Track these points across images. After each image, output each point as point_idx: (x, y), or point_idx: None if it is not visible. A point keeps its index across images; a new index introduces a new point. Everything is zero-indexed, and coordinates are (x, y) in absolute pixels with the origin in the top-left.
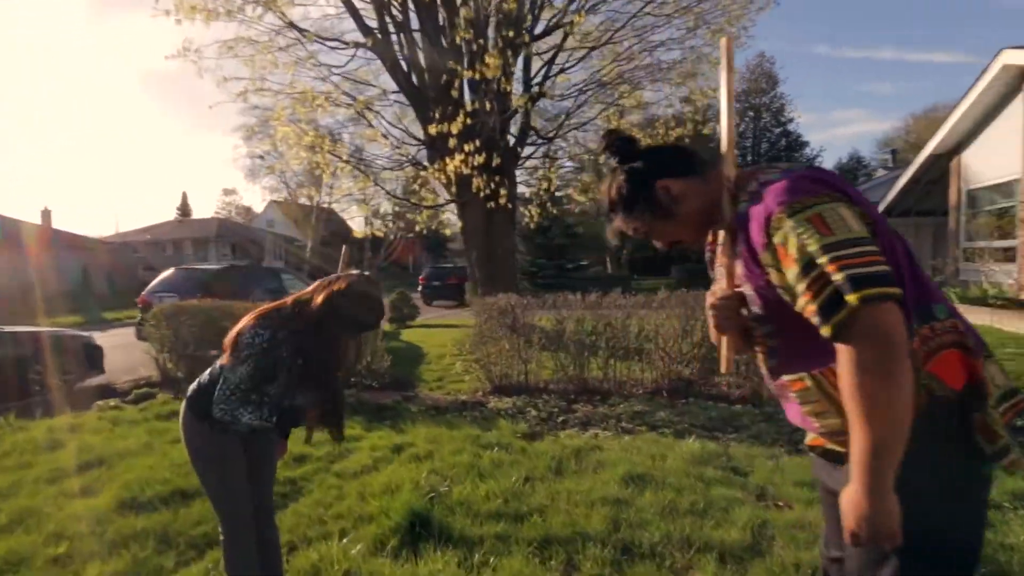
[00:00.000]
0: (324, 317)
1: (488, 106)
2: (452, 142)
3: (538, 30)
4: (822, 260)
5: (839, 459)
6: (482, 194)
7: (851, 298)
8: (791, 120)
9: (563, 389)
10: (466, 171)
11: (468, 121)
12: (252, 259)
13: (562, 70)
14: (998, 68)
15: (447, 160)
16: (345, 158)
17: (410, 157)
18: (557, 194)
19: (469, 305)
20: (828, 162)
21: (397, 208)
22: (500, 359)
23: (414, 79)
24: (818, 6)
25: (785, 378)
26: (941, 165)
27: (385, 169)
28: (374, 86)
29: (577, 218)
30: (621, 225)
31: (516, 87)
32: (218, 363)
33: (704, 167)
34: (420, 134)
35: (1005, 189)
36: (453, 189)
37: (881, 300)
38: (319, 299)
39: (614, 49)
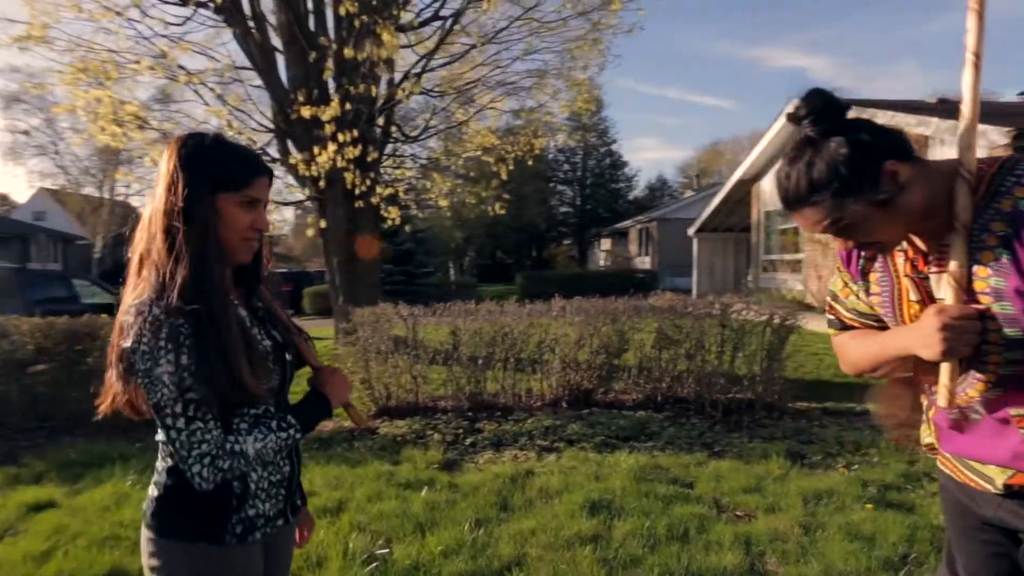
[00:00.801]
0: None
1: (375, 92)
2: (328, 129)
3: (425, 16)
4: None
5: None
6: (358, 191)
7: None
8: (614, 141)
9: (459, 407)
10: (341, 164)
11: (348, 107)
12: (12, 261)
13: (444, 64)
14: (788, 111)
15: (317, 151)
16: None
17: (254, 145)
18: (420, 197)
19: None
20: (641, 182)
21: None
22: (387, 377)
23: (276, 51)
24: (622, 45)
25: (1011, 412)
26: (745, 189)
27: None
28: (213, 56)
29: (424, 222)
30: (818, 212)
31: (395, 76)
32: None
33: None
34: (271, 118)
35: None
36: (322, 184)
37: None
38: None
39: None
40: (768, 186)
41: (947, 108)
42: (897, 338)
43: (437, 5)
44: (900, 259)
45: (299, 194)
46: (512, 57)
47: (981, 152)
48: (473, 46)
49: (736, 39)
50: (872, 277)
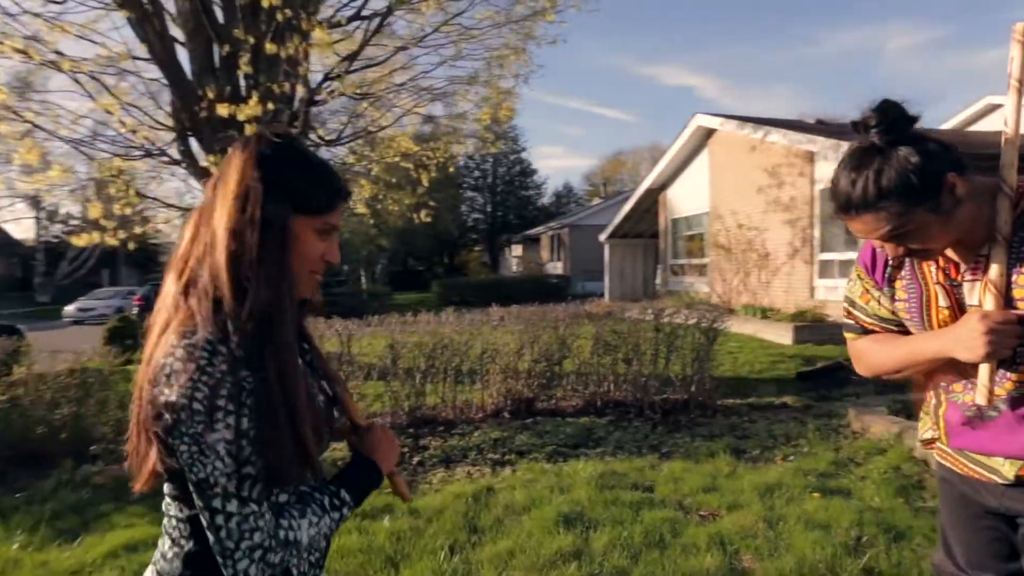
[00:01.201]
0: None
1: (300, 92)
2: (250, 130)
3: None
4: None
5: None
6: None
7: None
8: (524, 149)
9: (398, 423)
10: None
11: (270, 107)
12: None
13: (367, 66)
14: (693, 127)
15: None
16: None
17: (152, 145)
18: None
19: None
20: (549, 189)
21: (105, 209)
22: None
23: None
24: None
25: None
26: (652, 197)
27: (116, 156)
28: (97, 42)
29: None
30: (881, 219)
31: (311, 76)
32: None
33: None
34: (172, 114)
35: (697, 219)
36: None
37: None
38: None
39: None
40: (674, 195)
41: (825, 128)
42: (932, 341)
43: (359, 4)
44: (931, 267)
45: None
46: (435, 63)
47: None
48: (403, 48)
49: (633, 55)
50: (898, 284)
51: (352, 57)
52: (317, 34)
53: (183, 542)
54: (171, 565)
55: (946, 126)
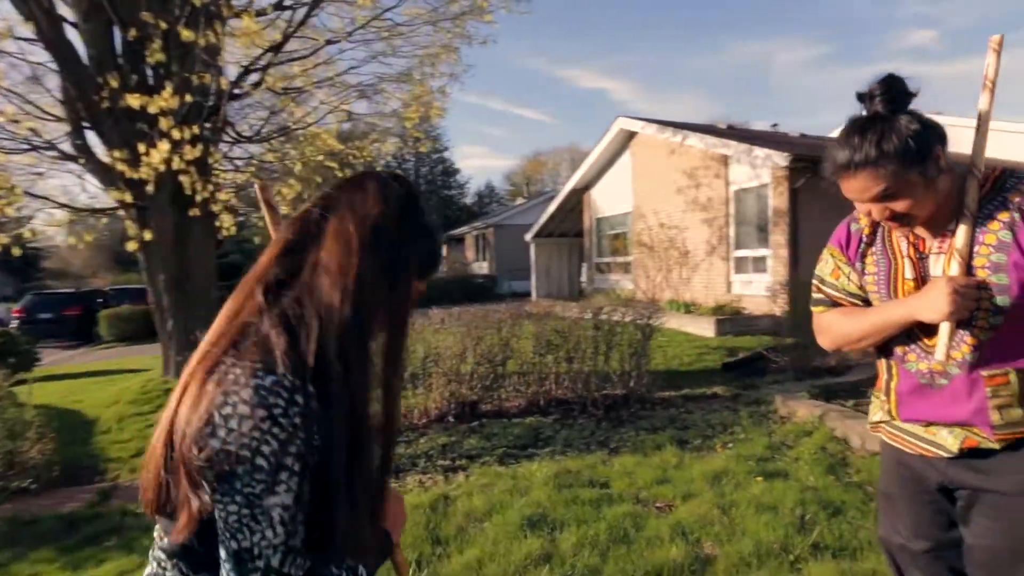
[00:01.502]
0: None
1: (222, 84)
2: (165, 124)
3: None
4: None
5: (989, 454)
6: (199, 197)
7: None
8: (446, 148)
9: None
10: (179, 165)
11: (188, 99)
12: None
13: (292, 59)
14: (616, 130)
15: (144, 148)
16: None
17: (38, 137)
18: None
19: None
20: (472, 189)
21: None
22: None
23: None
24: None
25: (984, 372)
26: (577, 197)
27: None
28: None
29: (254, 232)
30: (877, 178)
31: (225, 67)
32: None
33: None
34: (65, 104)
35: (620, 219)
36: (149, 188)
37: None
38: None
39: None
40: (599, 195)
41: (737, 134)
42: (899, 307)
43: None
44: (900, 241)
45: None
46: (363, 59)
47: (767, 169)
48: (331, 41)
49: (550, 58)
50: (869, 259)
51: (276, 48)
52: (245, 22)
53: None
54: None
55: (836, 132)
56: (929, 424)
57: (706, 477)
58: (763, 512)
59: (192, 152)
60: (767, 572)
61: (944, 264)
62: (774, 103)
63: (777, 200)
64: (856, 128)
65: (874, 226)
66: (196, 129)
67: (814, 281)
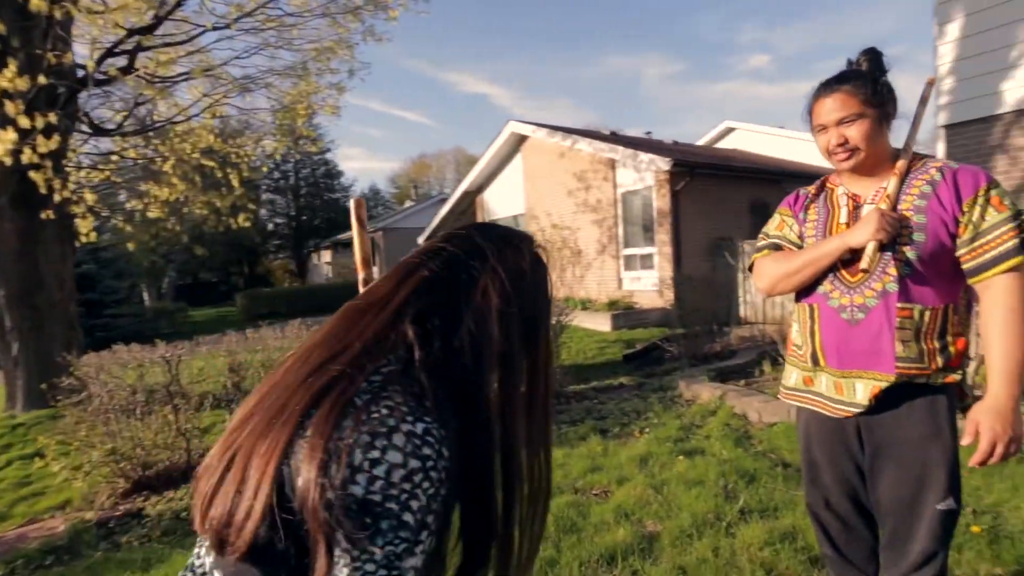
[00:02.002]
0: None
1: (91, 66)
2: (13, 109)
3: None
4: (1022, 217)
5: (888, 403)
6: (57, 197)
7: None
8: (328, 149)
9: None
10: (30, 158)
11: (42, 80)
12: None
13: (165, 44)
14: (508, 133)
15: None
16: None
17: None
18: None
19: None
20: (357, 190)
21: None
22: (144, 440)
23: None
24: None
25: (897, 304)
26: (469, 200)
27: None
28: None
29: (111, 238)
30: (854, 97)
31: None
32: None
33: None
34: None
35: (513, 221)
36: None
37: None
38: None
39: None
40: (491, 197)
41: (621, 139)
42: (833, 240)
43: None
44: (841, 199)
45: None
46: (249, 50)
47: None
48: (217, 27)
49: (433, 61)
50: (811, 210)
51: (148, 30)
52: None
53: None
54: None
55: (701, 142)
56: (844, 377)
57: (633, 461)
58: (692, 487)
59: (46, 144)
60: (707, 540)
61: (876, 203)
62: (643, 112)
63: (660, 202)
64: (843, 72)
65: (819, 189)
66: (53, 117)
67: (760, 236)
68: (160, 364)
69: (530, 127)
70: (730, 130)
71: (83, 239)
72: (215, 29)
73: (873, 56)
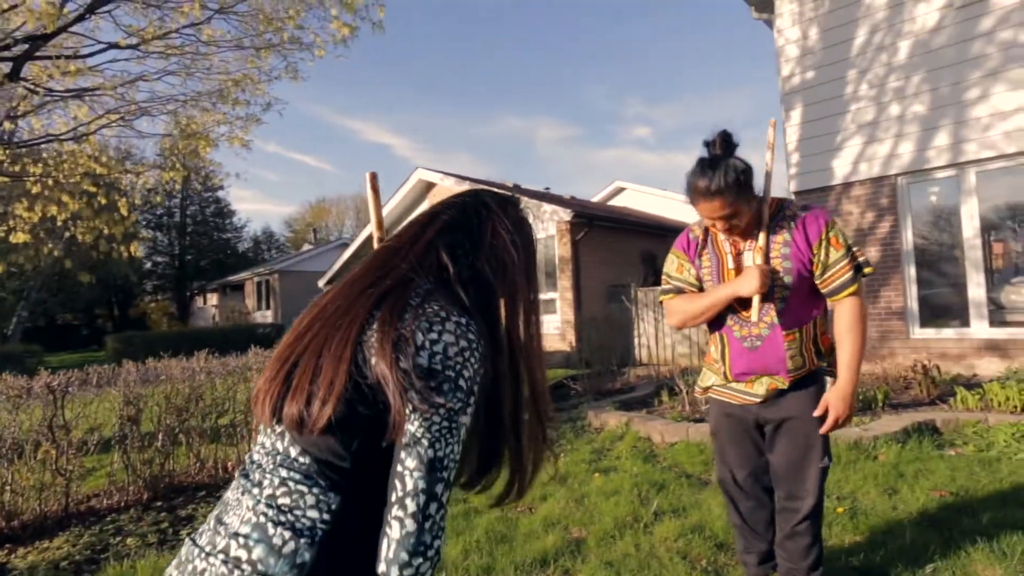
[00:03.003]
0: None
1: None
2: None
3: None
4: (854, 249)
5: (782, 393)
6: None
7: (867, 270)
8: (221, 187)
9: (136, 500)
10: None
11: None
12: None
13: (59, 56)
14: (415, 180)
15: None
16: None
17: None
18: None
19: None
20: (251, 230)
21: None
22: (13, 484)
23: None
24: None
25: (783, 332)
26: (371, 245)
27: None
28: None
29: None
30: (724, 202)
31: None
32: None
33: None
34: None
35: None
36: None
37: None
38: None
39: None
40: None
41: (525, 191)
42: (726, 288)
43: None
44: (724, 245)
45: None
46: (153, 73)
47: (553, 223)
48: (129, 46)
49: (332, 107)
50: (704, 257)
51: (45, 39)
52: None
53: (315, 532)
54: (290, 561)
55: (595, 199)
56: (750, 379)
57: (553, 481)
58: (610, 497)
59: None
60: (629, 539)
61: (752, 258)
62: (540, 171)
63: (562, 249)
64: (707, 164)
65: (704, 234)
66: None
67: (663, 276)
68: (39, 397)
69: (438, 175)
70: (620, 189)
71: None
72: (129, 48)
73: (725, 138)
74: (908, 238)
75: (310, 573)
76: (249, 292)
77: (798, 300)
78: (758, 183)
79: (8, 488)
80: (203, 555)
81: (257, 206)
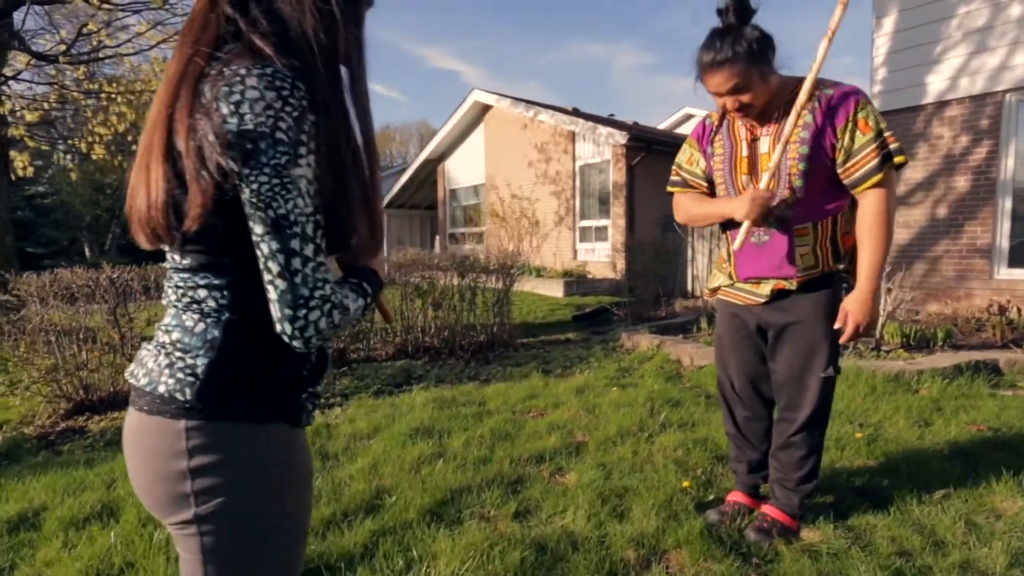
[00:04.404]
0: None
1: None
2: None
3: None
4: (886, 134)
5: (788, 295)
6: None
7: (899, 159)
8: None
9: None
10: None
11: None
12: None
13: None
14: (471, 102)
15: None
16: None
17: None
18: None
19: None
20: None
21: None
22: (85, 363)
23: None
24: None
25: (795, 226)
26: (430, 168)
27: None
28: None
29: (49, 184)
30: (731, 73)
31: None
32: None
33: None
34: None
35: (474, 190)
36: None
37: (903, 166)
38: None
39: None
40: (453, 166)
41: (579, 114)
42: (723, 205)
43: None
44: (740, 129)
45: None
46: None
47: (609, 146)
48: None
49: (407, 34)
50: (717, 143)
51: None
52: None
53: (220, 313)
54: (202, 338)
55: (661, 126)
56: (756, 281)
57: (571, 391)
58: (621, 408)
59: None
60: (629, 445)
61: (770, 145)
62: (611, 100)
63: (617, 175)
64: (716, 35)
65: (721, 119)
66: None
67: (673, 166)
68: (103, 289)
69: (493, 96)
70: (689, 116)
71: (20, 173)
72: None
73: (739, 8)
74: (1008, 166)
75: (221, 346)
76: None
77: (815, 192)
78: (782, 61)
79: (86, 367)
80: (145, 346)
81: None
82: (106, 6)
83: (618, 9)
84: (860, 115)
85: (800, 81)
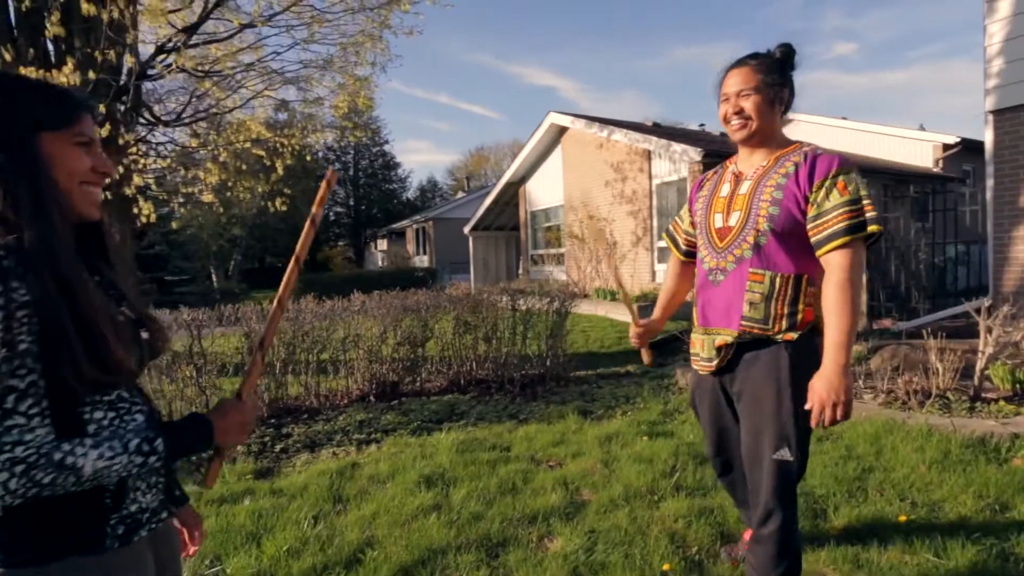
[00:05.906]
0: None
1: (131, 61)
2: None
3: None
4: (865, 202)
5: (738, 359)
6: (108, 180)
7: (873, 228)
8: (387, 142)
9: (258, 416)
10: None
11: (92, 75)
12: None
13: (208, 42)
14: (547, 124)
15: None
16: None
17: None
18: (182, 192)
19: None
20: (414, 183)
21: None
22: (169, 393)
23: None
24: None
25: (750, 270)
26: (512, 190)
27: None
28: None
29: (179, 223)
30: (756, 75)
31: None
32: None
33: None
34: None
35: (553, 211)
36: None
37: (874, 237)
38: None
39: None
40: (533, 188)
41: (659, 130)
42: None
43: None
44: (728, 175)
45: None
46: (286, 45)
47: (684, 163)
48: (249, 25)
49: (500, 54)
50: (706, 185)
51: (191, 30)
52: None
53: None
54: None
55: None
56: (706, 332)
57: (598, 439)
58: (639, 463)
59: (99, 132)
60: (629, 510)
61: (736, 204)
62: (710, 106)
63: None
64: (757, 52)
65: (722, 167)
66: (103, 107)
67: (670, 226)
68: (183, 330)
69: (568, 118)
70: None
71: (144, 220)
72: (248, 27)
73: (787, 50)
74: None
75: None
76: (410, 238)
77: (780, 244)
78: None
79: (162, 395)
80: None
81: (429, 157)
82: (212, 75)
83: (716, 5)
84: (842, 177)
85: (797, 145)
